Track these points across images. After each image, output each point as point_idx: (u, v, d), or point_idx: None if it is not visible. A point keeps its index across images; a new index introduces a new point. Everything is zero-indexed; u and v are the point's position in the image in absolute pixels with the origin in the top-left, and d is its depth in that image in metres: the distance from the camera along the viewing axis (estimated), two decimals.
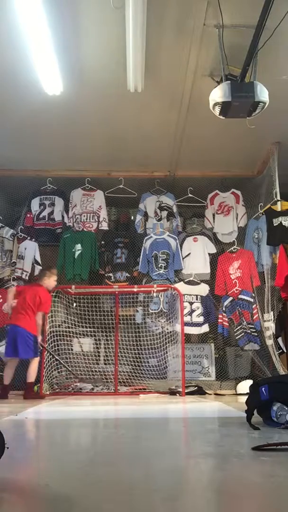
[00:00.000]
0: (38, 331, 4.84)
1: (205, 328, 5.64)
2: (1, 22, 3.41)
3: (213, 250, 5.94)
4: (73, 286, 5.43)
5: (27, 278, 5.86)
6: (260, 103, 3.51)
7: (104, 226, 6.09)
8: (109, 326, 5.46)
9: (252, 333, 5.37)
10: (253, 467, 1.36)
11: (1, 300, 5.69)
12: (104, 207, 6.14)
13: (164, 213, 6.10)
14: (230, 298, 5.61)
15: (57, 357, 5.19)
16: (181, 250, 5.87)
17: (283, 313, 5.64)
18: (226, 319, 5.56)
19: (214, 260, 5.91)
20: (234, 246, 5.79)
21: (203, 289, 5.74)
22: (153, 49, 3.70)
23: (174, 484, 1.17)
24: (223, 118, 3.71)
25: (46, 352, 5.09)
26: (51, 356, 5.14)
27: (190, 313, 5.64)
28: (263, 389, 2.13)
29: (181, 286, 5.65)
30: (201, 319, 5.64)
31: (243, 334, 5.40)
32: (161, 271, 5.74)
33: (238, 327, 5.46)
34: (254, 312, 5.46)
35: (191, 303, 5.67)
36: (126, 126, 4.95)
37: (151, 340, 5.39)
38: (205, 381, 5.48)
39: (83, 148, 5.45)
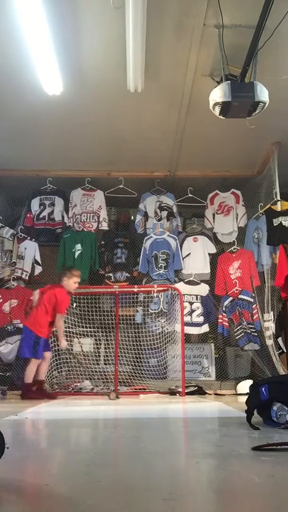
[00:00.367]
0: (46, 333, 4.72)
1: (205, 328, 5.64)
2: (1, 22, 3.41)
3: (213, 250, 5.94)
4: None
5: (27, 278, 5.86)
6: (260, 103, 3.51)
7: (104, 226, 6.09)
8: (109, 326, 5.46)
9: (252, 333, 5.37)
10: (253, 467, 1.36)
11: (1, 300, 5.69)
12: (104, 207, 6.13)
13: (164, 213, 6.10)
14: (230, 298, 5.61)
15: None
16: (181, 250, 5.87)
17: (283, 313, 5.64)
18: (226, 319, 5.56)
19: (214, 260, 5.91)
20: (234, 246, 5.79)
21: (203, 289, 5.74)
22: (153, 49, 3.70)
23: (174, 484, 1.17)
24: (223, 118, 3.71)
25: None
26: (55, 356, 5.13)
27: (190, 313, 5.64)
28: (263, 389, 2.13)
29: (181, 286, 5.65)
30: (201, 319, 5.64)
31: (243, 334, 5.40)
32: (161, 271, 5.74)
33: (238, 327, 5.46)
34: (254, 312, 5.46)
35: (191, 303, 5.67)
36: (126, 126, 4.96)
37: (151, 340, 5.39)
38: (205, 381, 5.48)
39: (83, 148, 5.45)
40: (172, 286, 5.57)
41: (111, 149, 5.48)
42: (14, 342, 5.46)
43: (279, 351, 5.30)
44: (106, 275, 5.97)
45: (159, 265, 5.76)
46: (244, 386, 5.00)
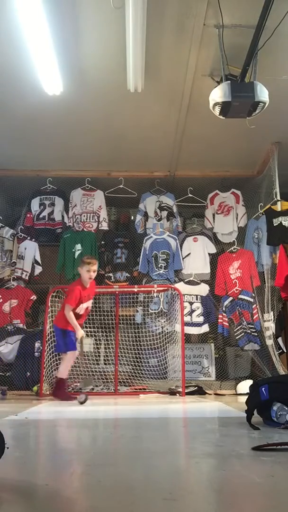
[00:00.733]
0: (71, 325, 4.37)
1: (205, 328, 5.64)
2: (1, 22, 3.41)
3: (213, 250, 5.94)
4: None
5: (27, 278, 5.87)
6: (260, 103, 3.51)
7: (104, 226, 6.09)
8: (109, 326, 5.45)
9: (252, 333, 5.37)
10: (253, 467, 1.36)
11: (1, 300, 5.69)
12: (104, 207, 6.13)
13: (164, 213, 6.09)
14: (230, 298, 5.61)
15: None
16: (181, 250, 5.87)
17: (283, 313, 5.64)
18: (226, 319, 5.56)
19: (214, 260, 5.91)
20: (234, 246, 5.79)
21: (203, 289, 5.73)
22: (153, 49, 3.70)
23: (174, 484, 1.17)
24: (223, 118, 3.71)
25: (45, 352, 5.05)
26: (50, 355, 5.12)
27: (190, 313, 5.64)
28: (263, 389, 2.13)
29: (181, 286, 5.65)
30: (201, 319, 5.64)
31: (243, 334, 5.40)
32: (161, 271, 5.74)
33: (238, 327, 5.46)
34: (254, 312, 5.46)
35: (191, 303, 5.67)
36: (126, 126, 4.96)
37: (151, 340, 5.39)
38: (205, 381, 5.48)
39: (83, 148, 5.45)
40: (172, 286, 5.57)
41: (111, 149, 5.48)
42: (14, 342, 5.46)
43: (279, 351, 5.30)
44: (106, 275, 5.97)
45: (159, 265, 5.76)
46: (244, 386, 5.00)
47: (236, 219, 6.03)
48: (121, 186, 6.04)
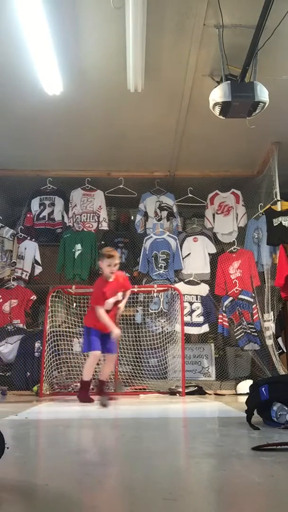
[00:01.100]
0: (99, 323, 4.12)
1: (205, 328, 5.64)
2: (1, 22, 3.41)
3: (213, 250, 5.94)
4: (73, 286, 5.42)
5: (27, 278, 5.87)
6: (260, 103, 3.51)
7: (104, 226, 6.09)
8: None
9: (252, 333, 5.37)
10: (253, 467, 1.36)
11: (1, 300, 5.69)
12: (104, 207, 6.13)
13: (164, 213, 6.09)
14: (230, 298, 5.61)
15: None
16: (181, 250, 5.87)
17: (283, 313, 5.64)
18: (226, 319, 5.56)
19: (214, 260, 5.91)
20: (234, 246, 5.79)
21: (203, 289, 5.73)
22: (153, 49, 3.70)
23: (174, 484, 1.17)
24: (223, 118, 3.71)
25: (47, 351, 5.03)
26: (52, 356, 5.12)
27: (190, 313, 5.64)
28: (263, 389, 2.13)
29: (181, 286, 5.65)
30: (201, 319, 5.64)
31: (243, 334, 5.40)
32: (161, 271, 5.74)
33: (238, 327, 5.46)
34: (254, 312, 5.46)
35: (191, 303, 5.67)
36: (126, 126, 4.95)
37: (151, 340, 5.39)
38: (205, 381, 5.48)
39: (83, 148, 5.45)
40: (172, 286, 5.57)
41: (111, 149, 5.48)
42: (14, 342, 5.46)
43: (279, 351, 5.30)
44: None
45: (159, 265, 5.76)
46: (244, 386, 5.00)
47: (236, 219, 6.03)
48: (121, 186, 6.04)
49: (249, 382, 4.07)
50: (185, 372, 5.03)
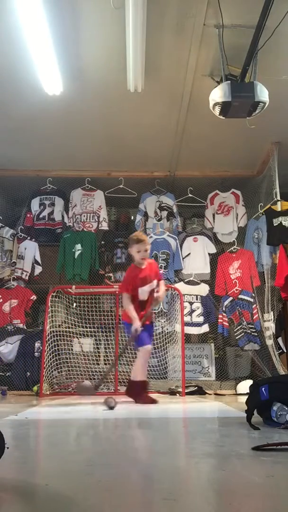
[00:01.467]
0: (128, 317, 3.87)
1: (205, 328, 5.64)
2: (1, 21, 3.41)
3: (213, 250, 5.94)
4: (73, 286, 5.42)
5: (27, 278, 5.87)
6: (260, 103, 3.51)
7: (104, 226, 6.09)
8: (109, 326, 5.45)
9: (252, 333, 5.37)
10: (253, 467, 1.36)
11: (1, 300, 5.69)
12: (104, 207, 6.14)
13: (164, 213, 6.10)
14: (230, 298, 5.61)
15: None
16: (181, 250, 5.87)
17: (283, 313, 5.64)
18: (226, 319, 5.56)
19: (214, 260, 5.91)
20: (234, 246, 5.79)
21: (203, 289, 5.73)
22: (153, 49, 3.70)
23: (174, 484, 1.17)
24: (223, 118, 3.71)
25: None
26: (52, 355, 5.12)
27: (190, 313, 5.64)
28: (263, 389, 2.13)
29: (181, 286, 5.65)
30: (201, 319, 5.64)
31: (243, 334, 5.40)
32: (161, 271, 5.74)
33: (238, 327, 5.46)
34: (254, 312, 5.46)
35: (191, 303, 5.67)
36: (126, 126, 4.96)
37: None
38: (205, 381, 5.48)
39: (83, 148, 5.45)
40: (172, 286, 5.57)
41: (111, 149, 5.48)
42: (14, 342, 5.46)
43: (279, 351, 5.30)
44: (106, 275, 5.97)
45: (159, 265, 5.76)
46: (244, 386, 5.00)
47: (236, 219, 6.04)
48: (121, 186, 6.04)
49: (249, 382, 4.06)
50: (185, 372, 5.03)
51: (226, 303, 5.61)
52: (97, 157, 5.68)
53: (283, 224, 5.14)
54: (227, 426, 2.45)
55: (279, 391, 2.12)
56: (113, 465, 1.43)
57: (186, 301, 5.63)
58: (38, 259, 5.93)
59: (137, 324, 3.79)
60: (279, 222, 5.17)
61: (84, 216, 6.08)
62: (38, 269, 5.90)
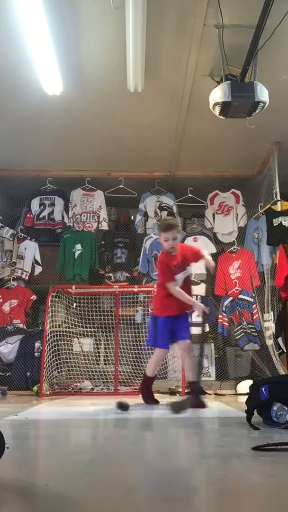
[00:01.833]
0: (163, 310, 3.70)
1: (205, 328, 5.63)
2: (1, 21, 3.41)
3: (213, 250, 5.94)
4: (73, 286, 5.42)
5: (27, 278, 5.87)
6: (260, 103, 3.51)
7: (104, 226, 6.09)
8: (109, 326, 5.45)
9: (252, 333, 5.37)
10: (253, 467, 1.36)
11: (1, 300, 5.69)
12: (104, 207, 6.13)
13: (164, 213, 6.09)
14: (230, 298, 5.61)
15: None
16: None
17: (283, 313, 5.63)
18: (226, 319, 5.56)
19: (214, 260, 5.89)
20: (234, 246, 5.78)
21: (203, 289, 5.72)
22: (153, 49, 3.70)
23: (174, 484, 1.17)
24: (223, 118, 3.71)
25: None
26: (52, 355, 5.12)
27: (190, 313, 5.63)
28: (263, 389, 2.13)
29: None
30: (201, 319, 5.63)
31: (243, 334, 5.40)
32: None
33: (238, 327, 5.46)
34: (254, 312, 5.46)
35: None
36: (126, 126, 4.95)
37: None
38: (205, 381, 5.47)
39: (83, 148, 5.44)
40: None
41: (111, 149, 5.48)
42: (14, 342, 5.46)
43: (279, 351, 5.30)
44: (106, 275, 5.97)
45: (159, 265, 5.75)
46: (244, 386, 5.00)
47: (236, 219, 6.03)
48: (121, 186, 6.03)
49: (249, 382, 4.06)
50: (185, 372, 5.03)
51: (226, 303, 5.61)
52: (97, 157, 5.67)
53: (283, 224, 5.14)
54: (227, 426, 2.45)
55: (279, 391, 2.12)
56: (113, 465, 1.43)
57: None
58: (38, 259, 5.93)
59: (199, 305, 3.70)
60: (279, 222, 5.17)
61: (84, 216, 6.08)
62: (38, 269, 5.90)
